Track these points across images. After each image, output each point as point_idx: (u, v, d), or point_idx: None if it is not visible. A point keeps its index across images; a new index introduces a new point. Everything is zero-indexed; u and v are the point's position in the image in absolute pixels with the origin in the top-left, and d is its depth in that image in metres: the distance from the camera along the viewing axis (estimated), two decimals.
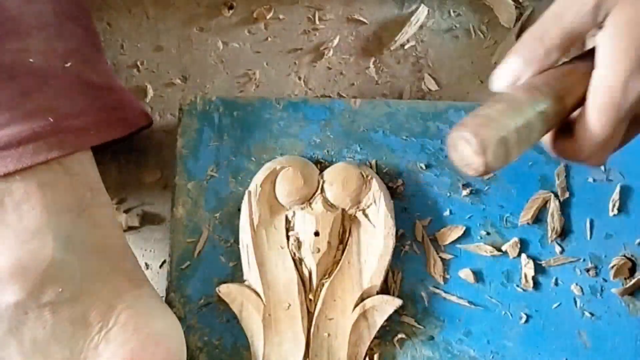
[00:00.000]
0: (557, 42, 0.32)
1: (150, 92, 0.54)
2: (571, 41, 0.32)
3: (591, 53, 0.33)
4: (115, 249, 0.42)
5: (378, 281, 0.43)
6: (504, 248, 0.44)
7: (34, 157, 0.38)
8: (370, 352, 0.43)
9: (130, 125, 0.45)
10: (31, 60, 0.39)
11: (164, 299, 0.45)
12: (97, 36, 0.47)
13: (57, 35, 0.41)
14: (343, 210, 0.44)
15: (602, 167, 0.45)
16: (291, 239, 0.44)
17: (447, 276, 0.44)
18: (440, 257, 0.45)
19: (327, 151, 0.46)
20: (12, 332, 0.38)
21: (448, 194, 0.45)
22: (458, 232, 0.45)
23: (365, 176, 0.44)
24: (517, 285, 0.44)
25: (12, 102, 0.38)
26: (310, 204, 0.44)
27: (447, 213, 0.45)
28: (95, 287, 0.39)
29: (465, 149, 0.29)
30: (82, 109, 0.41)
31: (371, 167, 0.45)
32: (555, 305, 0.44)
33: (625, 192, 0.45)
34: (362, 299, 0.43)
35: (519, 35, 0.56)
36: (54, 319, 0.38)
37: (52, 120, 0.39)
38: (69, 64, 0.41)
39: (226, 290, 0.43)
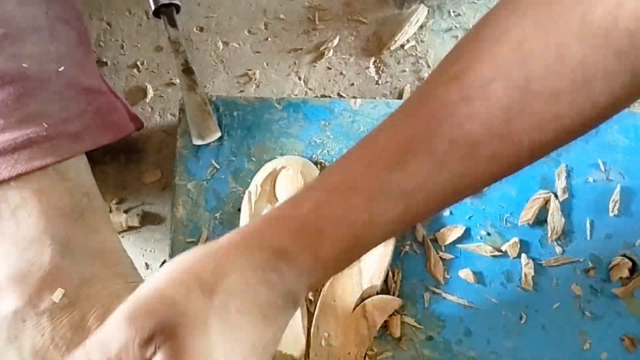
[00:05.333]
0: None
1: (150, 92, 0.54)
2: None
3: None
4: (112, 252, 0.41)
5: (378, 281, 0.43)
6: (504, 248, 0.44)
7: (29, 164, 0.38)
8: (370, 352, 0.43)
9: (122, 129, 0.45)
10: (25, 65, 0.39)
11: None
12: (89, 39, 0.47)
13: (50, 38, 0.41)
14: None
15: (602, 167, 0.45)
16: None
17: (447, 276, 0.44)
18: (440, 257, 0.45)
19: (327, 151, 0.46)
20: (11, 340, 0.38)
21: None
22: (458, 232, 0.45)
23: None
24: (517, 286, 0.44)
25: (6, 108, 0.38)
26: None
27: (447, 213, 0.45)
28: (93, 291, 0.39)
29: None
30: (76, 114, 0.41)
31: None
32: (555, 305, 0.44)
33: (625, 193, 0.45)
34: (362, 299, 0.43)
35: None
36: (52, 326, 0.38)
37: (46, 125, 0.39)
38: (62, 68, 0.41)
39: None
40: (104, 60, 0.55)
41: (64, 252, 0.39)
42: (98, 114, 0.43)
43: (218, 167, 0.46)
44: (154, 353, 0.29)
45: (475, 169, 0.31)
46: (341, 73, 0.54)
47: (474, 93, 0.30)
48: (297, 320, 0.43)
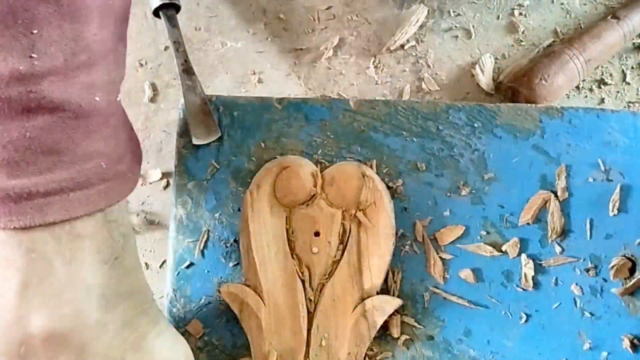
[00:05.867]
0: None
1: (150, 92, 0.54)
2: None
3: None
4: (140, 291, 0.39)
5: (378, 281, 0.43)
6: (504, 248, 0.44)
7: (83, 207, 0.35)
8: (370, 352, 0.43)
9: (141, 158, 0.42)
10: (97, 98, 0.35)
11: (164, 299, 0.45)
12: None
13: (115, 63, 0.37)
14: (343, 210, 0.44)
15: (602, 167, 0.45)
16: (291, 239, 0.44)
17: (447, 276, 0.45)
18: (440, 257, 0.45)
19: (327, 151, 0.46)
20: None
21: (448, 194, 0.45)
22: (458, 232, 0.45)
23: (365, 176, 0.44)
24: (517, 285, 0.44)
25: (72, 143, 0.35)
26: (310, 204, 0.44)
27: (447, 213, 0.45)
28: (123, 337, 0.37)
29: None
30: (124, 151, 0.38)
31: (371, 167, 0.45)
32: (555, 305, 0.44)
33: (625, 192, 0.45)
34: (362, 299, 0.43)
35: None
36: None
37: (104, 165, 0.36)
38: (119, 97, 0.38)
39: (226, 290, 0.43)
40: None
41: (100, 303, 0.36)
42: (134, 147, 0.41)
43: (218, 167, 0.46)
44: None
45: None
46: (341, 73, 0.54)
47: None
48: (297, 320, 0.43)
